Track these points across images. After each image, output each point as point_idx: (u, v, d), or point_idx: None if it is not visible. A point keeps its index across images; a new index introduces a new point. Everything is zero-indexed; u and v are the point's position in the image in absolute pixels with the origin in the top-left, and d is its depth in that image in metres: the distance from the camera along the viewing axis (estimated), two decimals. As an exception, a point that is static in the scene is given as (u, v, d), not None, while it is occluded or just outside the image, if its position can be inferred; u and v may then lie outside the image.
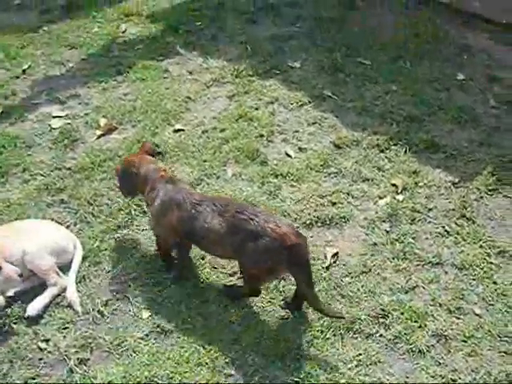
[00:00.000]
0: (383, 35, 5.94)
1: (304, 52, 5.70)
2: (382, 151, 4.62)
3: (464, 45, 5.78)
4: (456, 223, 4.03)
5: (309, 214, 4.11)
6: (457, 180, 4.34)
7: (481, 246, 3.87)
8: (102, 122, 4.87)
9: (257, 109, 5.01)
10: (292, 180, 4.37)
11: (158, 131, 4.78)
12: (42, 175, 4.42)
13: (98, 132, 4.78)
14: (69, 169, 4.46)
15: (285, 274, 3.49)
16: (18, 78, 5.49)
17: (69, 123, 4.89)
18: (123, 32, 6.10)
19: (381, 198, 4.24)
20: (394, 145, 4.64)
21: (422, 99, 5.08)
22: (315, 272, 3.66)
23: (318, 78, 5.35)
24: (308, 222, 4.07)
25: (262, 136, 4.73)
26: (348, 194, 4.29)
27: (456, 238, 3.94)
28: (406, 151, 4.57)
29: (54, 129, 4.83)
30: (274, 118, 4.92)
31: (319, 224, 4.07)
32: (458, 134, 4.74)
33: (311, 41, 5.86)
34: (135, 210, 4.12)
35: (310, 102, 5.08)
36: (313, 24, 6.11)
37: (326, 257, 3.83)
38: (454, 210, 4.12)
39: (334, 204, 4.20)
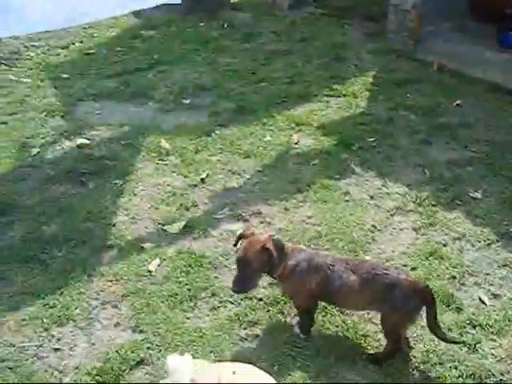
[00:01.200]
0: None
1: (483, 181, 5.41)
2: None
3: None
4: None
5: (515, 377, 3.80)
6: None
7: None
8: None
9: (445, 245, 4.72)
10: (491, 333, 4.03)
11: (346, 263, 4.58)
12: (231, 303, 4.23)
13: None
14: (260, 300, 4.26)
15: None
16: (196, 186, 5.39)
17: (253, 245, 4.76)
18: (296, 143, 5.98)
19: None
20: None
21: None
22: None
23: (502, 213, 5.03)
24: (514, 385, 3.76)
25: (454, 278, 4.42)
26: (552, 354, 3.96)
27: None
28: None
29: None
30: (463, 257, 4.62)
31: (526, 389, 3.75)
32: None
33: (488, 168, 5.57)
34: (334, 351, 3.90)
35: (497, 241, 4.76)
36: (487, 148, 5.86)
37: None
38: None
39: (538, 366, 3.88)
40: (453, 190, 5.30)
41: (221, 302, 4.26)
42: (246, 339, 3.99)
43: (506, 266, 4.58)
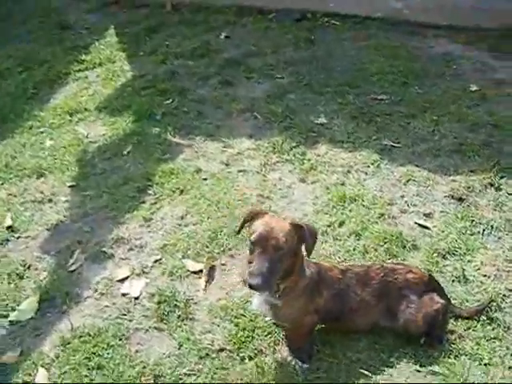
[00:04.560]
0: (361, 65, 5.00)
1: (313, 104, 4.48)
2: (498, 189, 3.68)
3: (443, 54, 5.09)
4: None
5: (524, 290, 3.02)
6: None
7: None
8: (190, 265, 3.22)
9: (343, 184, 3.71)
10: (463, 254, 3.21)
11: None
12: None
13: (202, 281, 3.15)
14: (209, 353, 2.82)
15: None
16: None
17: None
18: (87, 136, 4.33)
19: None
20: (502, 177, 3.73)
21: (474, 123, 4.23)
22: None
23: (360, 130, 4.19)
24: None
25: (382, 215, 3.47)
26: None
27: None
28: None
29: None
30: (369, 190, 3.67)
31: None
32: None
33: (307, 89, 4.67)
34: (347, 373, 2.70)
35: (382, 159, 3.93)
36: (289, 70, 4.92)
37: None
38: None
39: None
40: (296, 124, 4.31)
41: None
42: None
43: (409, 181, 3.79)
